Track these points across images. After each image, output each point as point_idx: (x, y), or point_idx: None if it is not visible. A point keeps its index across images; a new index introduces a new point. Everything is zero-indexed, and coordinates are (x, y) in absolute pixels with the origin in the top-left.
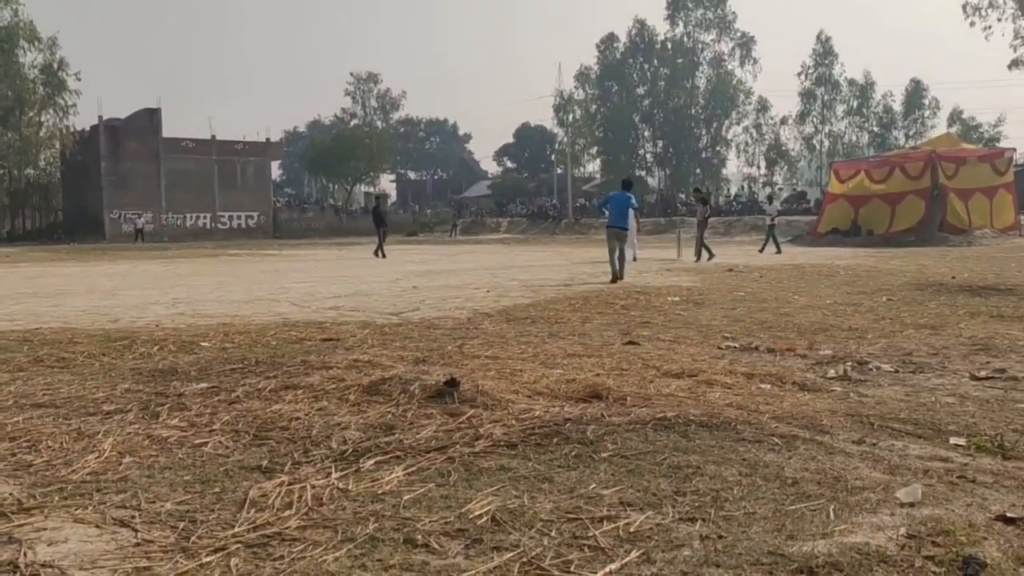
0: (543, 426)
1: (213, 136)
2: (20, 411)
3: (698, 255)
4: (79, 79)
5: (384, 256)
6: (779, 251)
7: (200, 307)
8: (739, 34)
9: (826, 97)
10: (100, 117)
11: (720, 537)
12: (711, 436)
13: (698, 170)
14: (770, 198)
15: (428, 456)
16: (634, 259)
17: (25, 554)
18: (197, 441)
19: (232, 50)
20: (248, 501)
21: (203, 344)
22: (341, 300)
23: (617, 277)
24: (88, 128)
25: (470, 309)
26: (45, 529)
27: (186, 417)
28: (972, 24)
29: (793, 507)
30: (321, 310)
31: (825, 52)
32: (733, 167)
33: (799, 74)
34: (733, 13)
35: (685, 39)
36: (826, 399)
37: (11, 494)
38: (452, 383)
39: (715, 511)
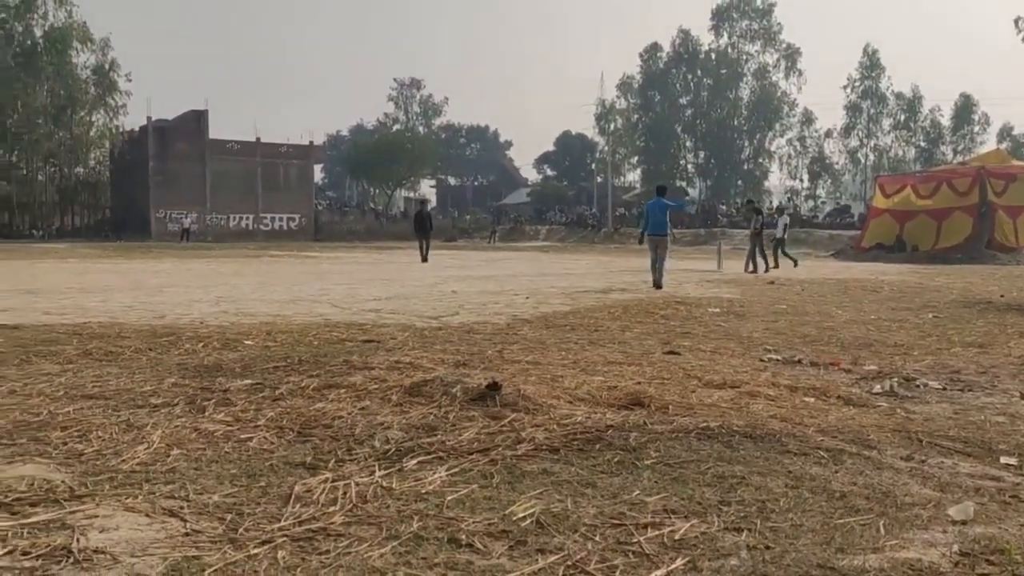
0: (585, 432)
1: (258, 138)
2: (71, 401)
3: (753, 267)
4: (129, 80)
5: (426, 260)
6: (786, 264)
7: (243, 306)
8: (784, 45)
9: (872, 110)
10: (149, 118)
11: (768, 548)
12: (755, 447)
13: (739, 182)
14: (780, 210)
15: (470, 458)
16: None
17: (78, 540)
18: (243, 436)
19: (278, 54)
20: (293, 496)
21: (246, 342)
22: (381, 303)
23: (658, 284)
24: (137, 128)
25: (509, 315)
26: (96, 516)
27: (231, 412)
28: None
29: (842, 521)
30: (361, 312)
31: (872, 65)
32: (775, 179)
33: (845, 87)
34: (779, 24)
35: (729, 50)
36: (872, 414)
37: (63, 481)
38: (494, 386)
39: (761, 521)
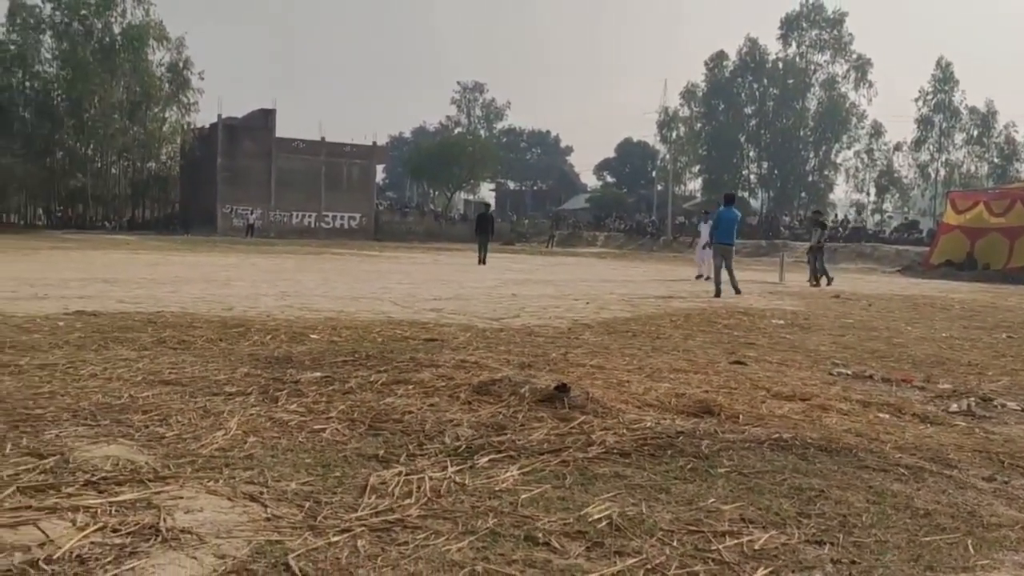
0: (655, 437)
1: (323, 137)
2: (149, 387)
3: (815, 279)
4: (202, 78)
5: (483, 263)
6: (829, 281)
7: (307, 301)
8: (855, 56)
9: (944, 124)
10: (219, 115)
11: (853, 563)
12: (832, 461)
13: (803, 193)
14: (820, 223)
15: (542, 458)
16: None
17: (164, 519)
18: (315, 427)
19: (345, 55)
20: (369, 487)
21: (312, 336)
22: (442, 303)
23: (719, 293)
24: (207, 126)
25: (570, 319)
26: (181, 498)
27: (303, 403)
28: None
29: (928, 538)
30: (423, 311)
31: (945, 78)
32: (841, 192)
33: (916, 99)
34: (850, 34)
35: (797, 59)
36: (951, 433)
37: (147, 463)
38: (562, 388)
39: (844, 536)
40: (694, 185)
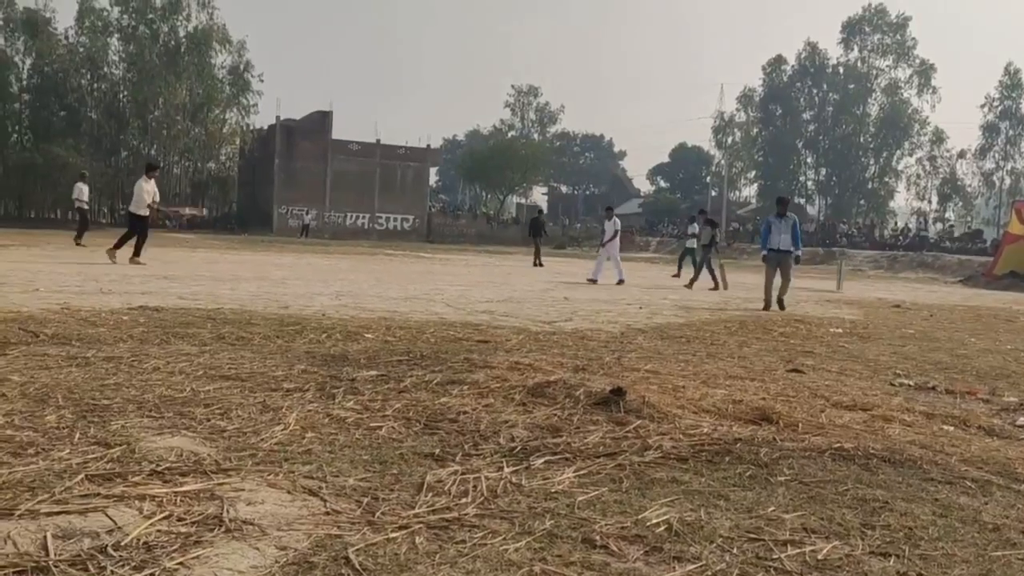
0: (712, 443)
1: (378, 140)
2: (210, 381)
3: (696, 277)
4: (262, 81)
5: (540, 265)
6: (716, 285)
7: (361, 301)
8: (918, 61)
9: (1011, 132)
10: (278, 117)
11: None
12: (896, 472)
13: (862, 201)
14: (711, 222)
15: (598, 461)
16: (620, 281)
17: (227, 510)
18: (372, 424)
19: (401, 60)
20: (425, 485)
21: (367, 335)
22: (494, 305)
23: (771, 304)
24: (266, 127)
25: (623, 324)
26: (242, 490)
27: (360, 401)
28: None
29: (998, 553)
30: (475, 313)
31: (1012, 85)
32: (901, 200)
33: (982, 106)
34: (913, 39)
35: (859, 64)
36: (1018, 447)
37: (209, 455)
38: (618, 392)
39: (910, 548)
40: (749, 191)
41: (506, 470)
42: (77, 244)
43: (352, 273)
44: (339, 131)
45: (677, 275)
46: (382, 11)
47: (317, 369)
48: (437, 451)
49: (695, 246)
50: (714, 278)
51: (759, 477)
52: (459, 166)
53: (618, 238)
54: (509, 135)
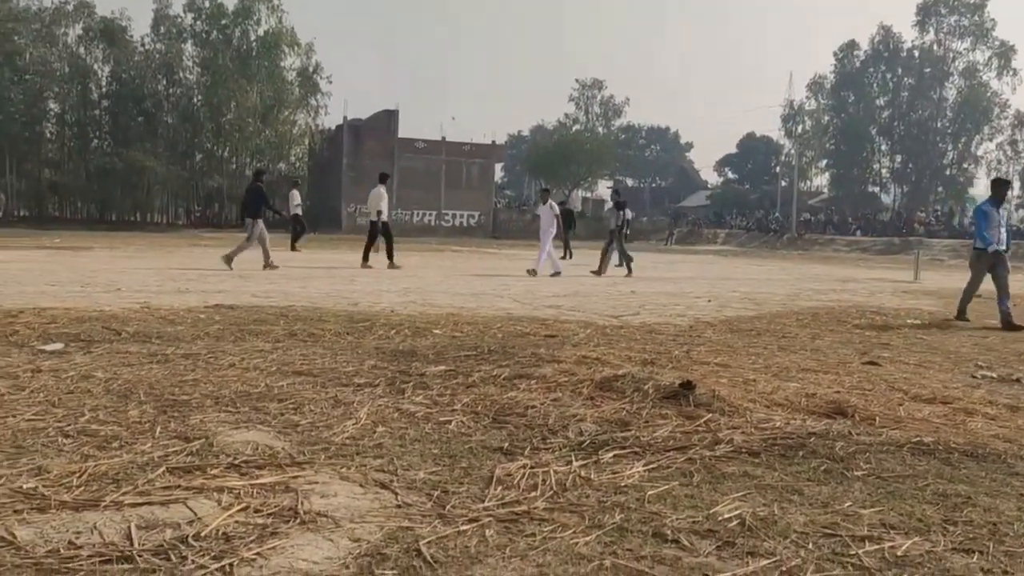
0: (785, 437)
1: (443, 137)
2: (283, 377)
3: (624, 263)
4: (330, 82)
5: (566, 257)
6: (630, 271)
7: (428, 297)
8: (997, 43)
9: None
10: (345, 117)
11: (1005, 572)
12: (979, 467)
13: (940, 188)
14: (619, 204)
15: (667, 455)
16: (555, 273)
17: (302, 503)
18: (441, 419)
19: (466, 56)
20: (495, 479)
21: (435, 331)
22: (560, 299)
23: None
24: (334, 127)
25: (691, 317)
26: (316, 483)
27: (429, 396)
28: None
29: None
30: (542, 308)
31: None
32: (982, 187)
33: None
34: (992, 20)
35: (935, 47)
36: None
37: (283, 448)
38: (687, 385)
39: (994, 545)
40: (820, 180)
41: (575, 464)
42: (294, 249)
43: (420, 270)
44: (405, 130)
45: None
46: (445, 10)
47: (387, 364)
48: (506, 445)
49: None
50: (602, 262)
51: (834, 472)
52: (524, 161)
53: (555, 225)
54: (574, 129)
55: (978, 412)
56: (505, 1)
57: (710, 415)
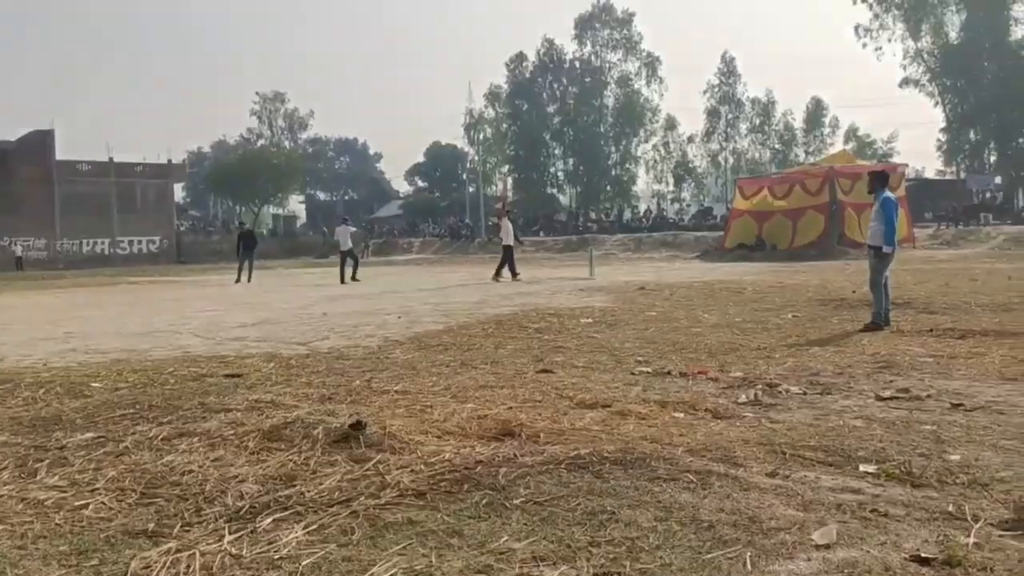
0: (453, 470)
1: (111, 158)
2: None
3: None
4: None
5: (240, 282)
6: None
7: (94, 342)
8: (645, 54)
9: (730, 115)
10: None
11: None
12: (625, 475)
13: (608, 187)
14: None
15: (330, 511)
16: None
17: None
18: (77, 503)
19: (130, 70)
20: (129, 575)
21: (94, 385)
22: (247, 329)
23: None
24: None
25: (381, 336)
26: None
27: (67, 474)
28: (864, 45)
29: (710, 555)
30: (225, 341)
31: (729, 72)
32: (643, 184)
33: (704, 92)
34: (639, 34)
35: (593, 58)
36: (738, 427)
37: None
38: (358, 426)
39: (631, 563)
40: (503, 185)
41: (227, 539)
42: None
43: (88, 309)
44: (65, 151)
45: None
46: (104, 18)
47: (20, 439)
48: (152, 526)
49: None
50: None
51: (496, 504)
52: (207, 179)
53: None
54: (258, 144)
55: (632, 413)
56: (170, 7)
57: (380, 455)
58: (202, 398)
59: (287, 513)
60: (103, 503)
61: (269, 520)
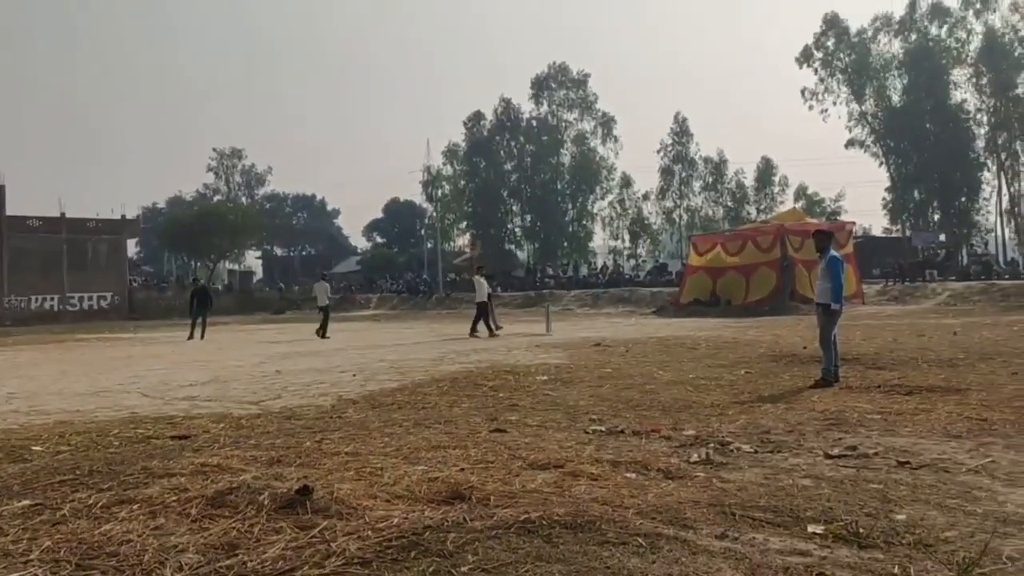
0: (401, 536)
1: (62, 213)
2: None
3: (493, 328)
4: None
5: (193, 338)
6: (474, 332)
7: (38, 402)
8: (600, 113)
9: (684, 174)
10: None
11: None
12: (575, 539)
13: (565, 243)
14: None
15: None
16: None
17: None
18: None
19: (84, 124)
20: None
21: (35, 448)
22: (197, 388)
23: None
24: None
25: (334, 395)
26: None
27: (0, 544)
28: (811, 107)
29: None
30: (174, 401)
31: (682, 131)
32: (599, 240)
33: (658, 151)
34: (594, 94)
35: (549, 117)
36: (690, 488)
37: None
38: (304, 491)
39: None
40: (463, 241)
41: None
42: None
43: (33, 367)
44: (15, 207)
45: None
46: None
47: None
48: None
49: None
50: (490, 324)
51: (442, 571)
52: (162, 235)
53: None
54: (215, 199)
55: (584, 474)
56: (125, 64)
57: (327, 521)
58: (146, 462)
59: None
60: (36, 575)
61: None
